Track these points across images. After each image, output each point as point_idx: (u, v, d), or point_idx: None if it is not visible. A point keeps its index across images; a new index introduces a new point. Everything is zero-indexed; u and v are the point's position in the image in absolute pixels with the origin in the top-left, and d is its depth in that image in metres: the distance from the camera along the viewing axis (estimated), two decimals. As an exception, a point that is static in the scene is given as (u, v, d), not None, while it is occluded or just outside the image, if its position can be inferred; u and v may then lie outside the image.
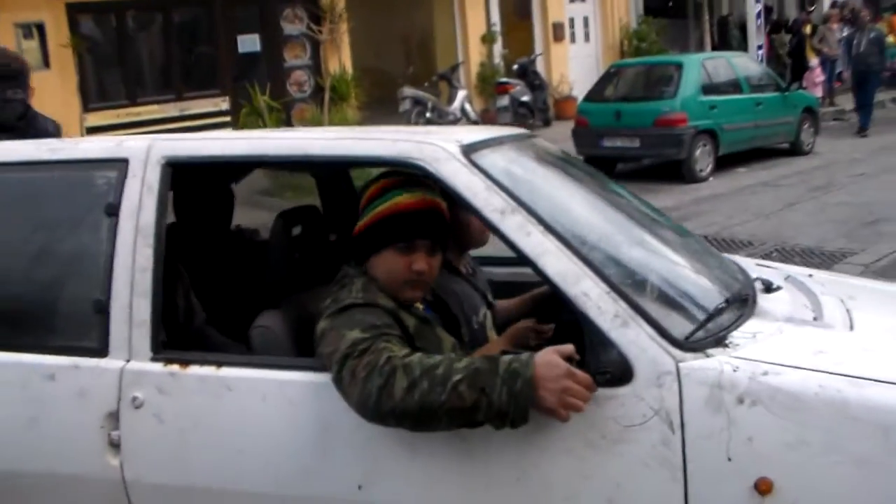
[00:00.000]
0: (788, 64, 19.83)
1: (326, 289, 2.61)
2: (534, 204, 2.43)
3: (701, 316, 2.44)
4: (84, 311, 2.66)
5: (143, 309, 2.57)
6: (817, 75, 19.35)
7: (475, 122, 15.44)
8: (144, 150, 2.70)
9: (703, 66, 13.50)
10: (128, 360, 2.58)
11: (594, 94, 14.05)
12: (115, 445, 2.55)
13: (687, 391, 2.18)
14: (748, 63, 15.02)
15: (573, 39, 18.97)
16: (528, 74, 16.72)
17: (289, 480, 2.44)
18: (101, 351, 2.60)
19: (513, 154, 2.80)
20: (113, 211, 2.66)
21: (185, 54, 14.58)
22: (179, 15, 14.48)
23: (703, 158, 12.46)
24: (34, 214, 2.84)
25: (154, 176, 2.66)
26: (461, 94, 15.66)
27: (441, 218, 2.57)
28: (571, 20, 18.86)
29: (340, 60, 15.28)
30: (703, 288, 2.68)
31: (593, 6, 19.29)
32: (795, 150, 14.16)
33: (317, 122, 13.67)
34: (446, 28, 17.41)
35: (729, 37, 21.11)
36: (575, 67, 18.55)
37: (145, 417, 2.53)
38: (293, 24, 15.06)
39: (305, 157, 2.71)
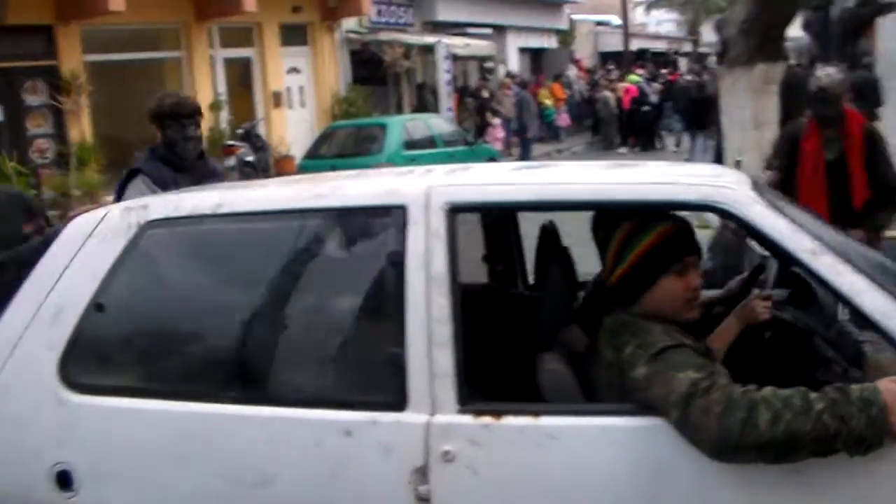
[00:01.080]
0: (478, 122, 21.42)
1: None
2: (828, 242, 2.35)
3: None
4: (376, 365, 2.48)
5: (445, 360, 2.37)
6: (498, 132, 20.85)
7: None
8: (423, 196, 2.47)
9: (404, 126, 14.81)
10: (432, 414, 2.37)
11: (312, 153, 15.03)
12: (423, 500, 2.36)
13: None
14: (441, 123, 16.47)
15: (290, 105, 19.54)
16: (251, 137, 17.11)
17: None
18: (399, 405, 2.38)
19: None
20: (397, 259, 2.43)
21: (-73, 124, 13.67)
22: (-81, 86, 13.54)
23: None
24: (309, 265, 2.65)
25: (439, 222, 2.43)
26: (192, 155, 16.64)
27: (694, 233, 2.51)
28: (289, 89, 19.46)
29: (81, 128, 15.25)
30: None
31: (307, 76, 19.94)
32: (483, 196, 16.35)
33: (64, 186, 13.71)
34: (178, 97, 18.31)
35: (425, 101, 22.04)
36: (293, 130, 19.10)
37: (458, 471, 2.34)
38: (34, 96, 14.99)
39: (603, 202, 2.51)
